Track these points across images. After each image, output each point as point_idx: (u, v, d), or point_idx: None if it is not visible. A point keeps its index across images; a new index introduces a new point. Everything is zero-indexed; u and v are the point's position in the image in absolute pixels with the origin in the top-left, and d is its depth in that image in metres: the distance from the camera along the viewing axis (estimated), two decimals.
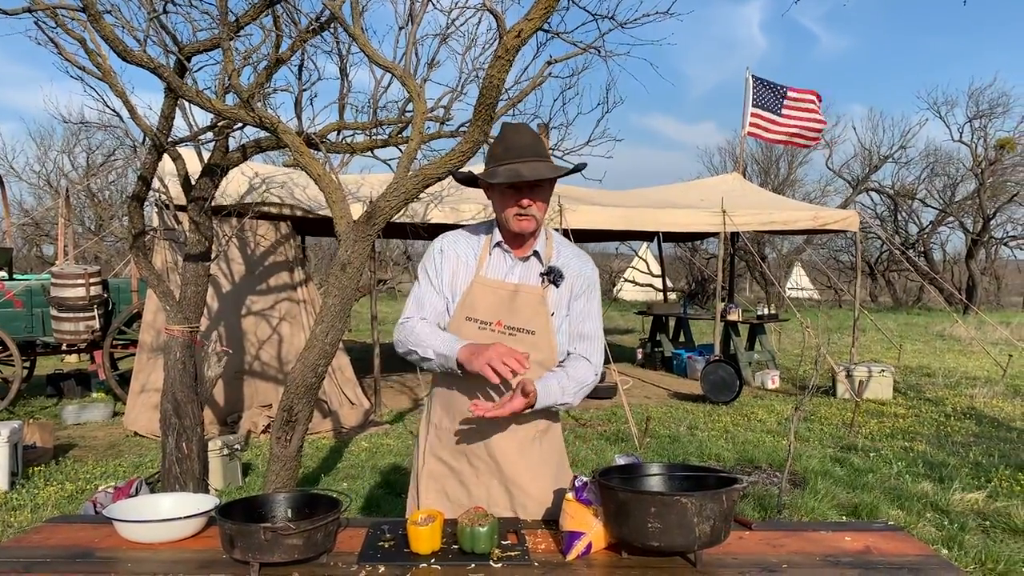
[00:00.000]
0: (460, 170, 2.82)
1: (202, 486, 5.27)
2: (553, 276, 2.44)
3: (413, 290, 2.53)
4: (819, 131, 13.73)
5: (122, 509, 2.21)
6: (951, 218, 29.45)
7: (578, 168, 2.55)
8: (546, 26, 4.28)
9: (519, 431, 2.44)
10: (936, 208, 29.86)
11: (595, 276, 2.56)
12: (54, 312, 9.01)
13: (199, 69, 5.06)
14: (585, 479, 2.12)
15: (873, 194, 30.75)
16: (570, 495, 2.10)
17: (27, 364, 10.22)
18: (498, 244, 2.47)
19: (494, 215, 2.51)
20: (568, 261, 2.51)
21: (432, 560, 1.99)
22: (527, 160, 2.35)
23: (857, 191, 29.64)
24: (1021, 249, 30.41)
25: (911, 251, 28.17)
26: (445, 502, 2.48)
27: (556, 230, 8.68)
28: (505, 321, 2.40)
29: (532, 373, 2.39)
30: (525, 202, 2.36)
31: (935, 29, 64.62)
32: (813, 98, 13.27)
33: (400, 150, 5.46)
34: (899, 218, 30.47)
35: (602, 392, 9.72)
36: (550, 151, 5.90)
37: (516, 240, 2.46)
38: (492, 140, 2.46)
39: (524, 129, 2.45)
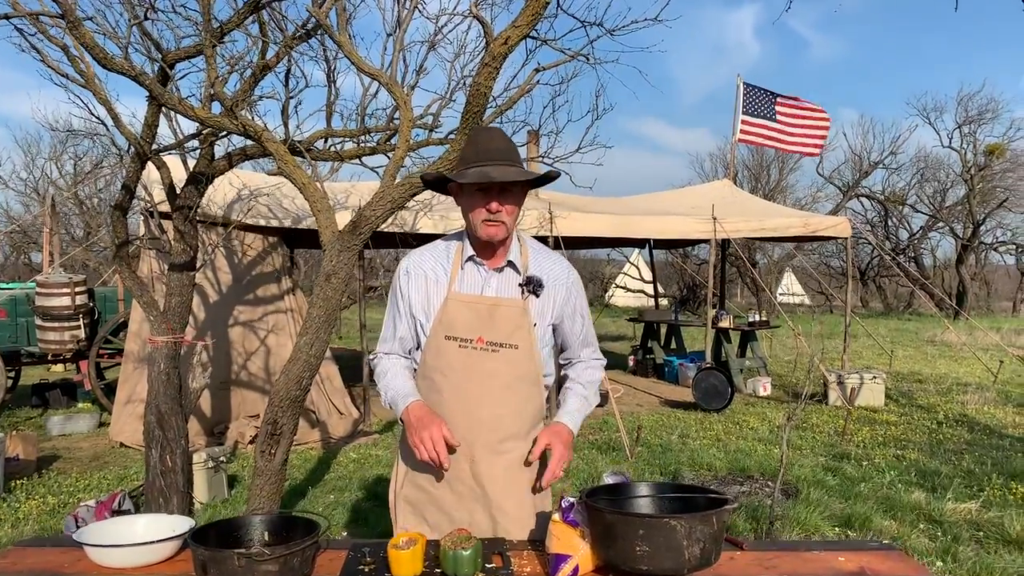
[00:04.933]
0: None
1: (186, 500, 5.19)
2: (533, 286, 2.36)
3: (385, 316, 2.50)
4: (820, 142, 13.71)
5: (93, 533, 2.13)
6: (941, 224, 29.57)
7: (551, 176, 2.44)
8: (534, 33, 4.23)
9: (505, 454, 2.36)
10: (926, 214, 30.01)
11: (576, 278, 2.49)
12: (39, 322, 8.91)
13: (183, 77, 5.00)
14: (572, 499, 2.05)
15: (863, 200, 30.87)
16: (556, 516, 2.04)
17: (11, 374, 10.11)
18: (470, 258, 2.37)
19: (464, 225, 2.43)
20: (547, 268, 2.43)
21: None
22: (498, 163, 2.26)
23: (847, 197, 29.72)
24: (1010, 254, 30.61)
25: (901, 257, 28.26)
26: (424, 527, 2.39)
27: (544, 237, 8.60)
28: (486, 337, 2.32)
29: (518, 390, 2.36)
30: (494, 206, 2.25)
31: (925, 35, 64.98)
32: (816, 113, 13.32)
33: (388, 158, 5.41)
34: (889, 224, 30.59)
35: None
36: (540, 158, 5.86)
37: (487, 250, 2.36)
38: (464, 142, 2.41)
39: (497, 133, 2.37)
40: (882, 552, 2.18)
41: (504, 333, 2.32)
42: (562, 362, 2.60)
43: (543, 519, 2.32)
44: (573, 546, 1.99)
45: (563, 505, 2.05)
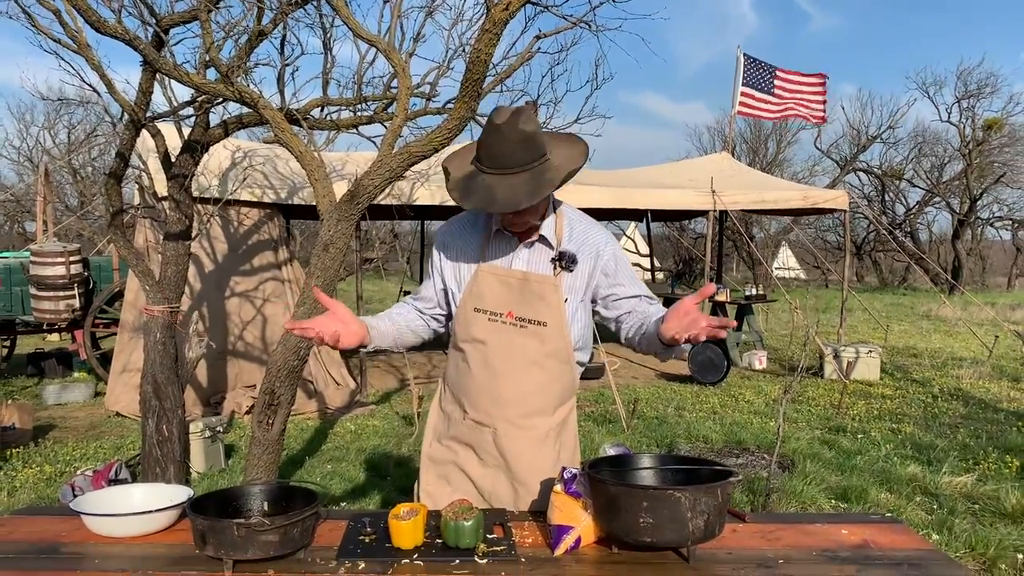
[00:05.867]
0: (446, 153, 2.64)
1: (183, 469, 5.19)
2: (565, 261, 2.26)
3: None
4: (820, 110, 13.61)
5: (91, 502, 2.12)
6: (938, 198, 29.50)
7: (573, 173, 2.19)
8: None
9: (533, 430, 2.32)
10: (923, 188, 29.89)
11: (615, 246, 2.36)
12: (33, 291, 8.86)
13: (178, 42, 4.92)
14: (574, 471, 2.04)
15: (861, 174, 30.76)
16: (558, 487, 2.02)
17: (7, 343, 10.09)
18: (499, 230, 2.31)
19: None
20: (582, 238, 2.31)
21: (415, 556, 1.90)
22: (507, 172, 2.11)
23: (845, 171, 29.61)
24: (1006, 230, 30.59)
25: (898, 231, 28.23)
26: (446, 487, 2.38)
27: None
28: (516, 312, 2.26)
29: (545, 367, 2.30)
30: (507, 218, 2.22)
31: (925, 9, 64.48)
32: (815, 80, 13.22)
33: (385, 127, 5.34)
34: (886, 198, 30.50)
35: (590, 373, 9.66)
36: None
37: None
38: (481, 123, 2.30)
39: (509, 132, 2.08)
40: (885, 525, 2.18)
41: (534, 309, 2.26)
42: (623, 317, 2.34)
43: (547, 490, 2.29)
44: (575, 517, 1.97)
45: (565, 476, 2.03)
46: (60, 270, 8.72)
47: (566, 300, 2.28)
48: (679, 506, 1.81)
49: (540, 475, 2.32)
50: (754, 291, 12.16)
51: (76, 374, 9.77)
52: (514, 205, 2.08)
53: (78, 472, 5.40)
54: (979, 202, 28.42)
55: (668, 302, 12.67)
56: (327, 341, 2.05)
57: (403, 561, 1.88)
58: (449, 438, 2.41)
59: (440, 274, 2.39)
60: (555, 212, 2.33)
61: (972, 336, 13.21)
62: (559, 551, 1.95)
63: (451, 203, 8.96)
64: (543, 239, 2.30)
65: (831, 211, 12.24)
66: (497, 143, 2.10)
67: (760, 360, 10.77)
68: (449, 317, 2.43)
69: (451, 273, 2.36)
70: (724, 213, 11.30)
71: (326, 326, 2.06)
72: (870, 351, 9.93)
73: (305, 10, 5.05)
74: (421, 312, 2.46)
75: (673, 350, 2.13)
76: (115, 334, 8.45)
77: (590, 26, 4.23)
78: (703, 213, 11.37)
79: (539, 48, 4.07)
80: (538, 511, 2.23)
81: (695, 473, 2.02)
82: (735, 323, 1.93)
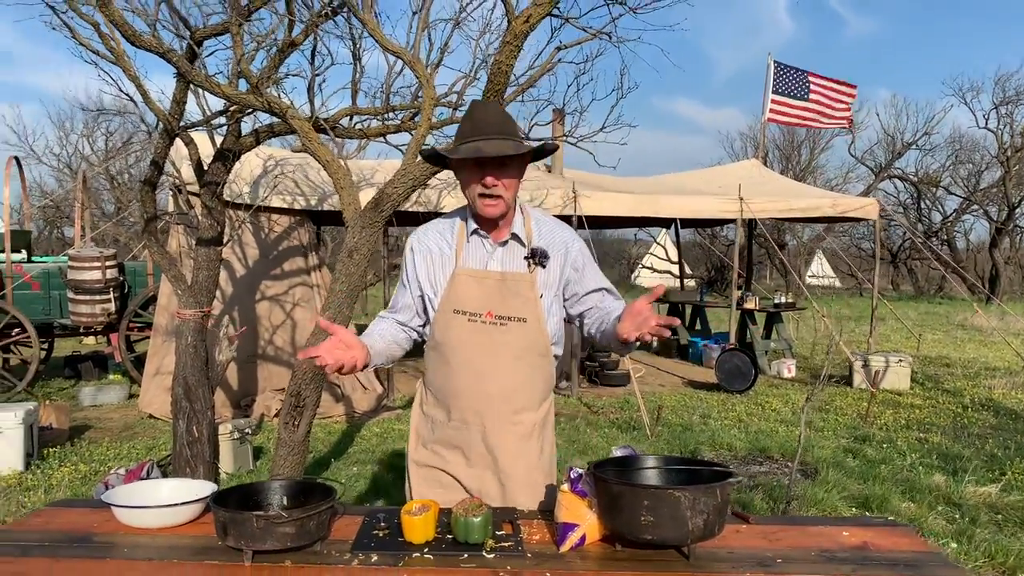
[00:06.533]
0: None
1: (213, 470, 5.31)
2: (539, 258, 2.38)
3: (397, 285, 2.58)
4: (847, 114, 13.57)
5: (120, 494, 2.22)
6: (975, 206, 29.09)
7: (547, 148, 2.41)
8: (556, 11, 4.24)
9: (520, 424, 2.41)
10: (960, 196, 29.50)
11: (581, 242, 2.49)
12: (71, 295, 9.10)
13: (210, 54, 5.07)
14: (580, 470, 2.10)
15: (896, 181, 30.44)
16: (565, 486, 2.09)
17: (45, 346, 10.35)
18: (475, 232, 2.41)
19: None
20: (548, 236, 2.44)
21: (425, 550, 1.98)
22: (491, 138, 2.26)
23: (880, 178, 29.34)
24: None
25: (934, 239, 27.88)
26: (437, 488, 2.46)
27: (568, 217, 8.58)
28: (495, 311, 2.35)
29: (528, 361, 2.39)
30: (489, 180, 2.27)
31: (962, 13, 63.63)
32: (846, 88, 13.21)
33: (413, 136, 5.45)
34: (922, 206, 30.14)
35: (615, 379, 9.70)
36: (565, 137, 5.86)
37: (490, 224, 2.39)
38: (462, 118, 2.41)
39: (492, 107, 2.39)
40: (887, 528, 2.21)
41: (512, 307, 2.36)
42: (586, 312, 2.50)
43: (552, 489, 2.38)
44: (580, 515, 2.04)
45: (572, 476, 2.10)
46: (97, 275, 8.95)
47: (541, 296, 2.38)
48: (679, 505, 1.87)
49: (527, 470, 2.42)
50: (783, 299, 12.12)
51: (111, 376, 10.01)
52: (504, 151, 2.24)
53: (111, 471, 5.56)
54: (1018, 210, 27.98)
55: (697, 310, 12.63)
56: (345, 371, 2.20)
57: (414, 555, 1.96)
58: (434, 442, 2.49)
59: (416, 281, 2.46)
60: (521, 212, 2.44)
61: (1007, 346, 13.03)
62: (564, 548, 2.01)
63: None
64: (515, 237, 2.41)
65: (862, 219, 12.17)
66: (483, 114, 2.33)
67: (789, 368, 10.73)
68: (427, 324, 2.49)
69: (427, 278, 2.43)
70: (754, 220, 11.27)
71: (335, 355, 2.17)
72: (900, 360, 9.85)
73: (335, 21, 5.18)
74: (404, 325, 2.51)
75: (630, 347, 2.27)
76: (149, 338, 8.65)
77: (610, 37, 4.30)
78: (731, 220, 11.36)
79: (559, 59, 4.15)
80: (545, 510, 2.31)
81: (698, 474, 2.08)
82: (678, 320, 2.04)
